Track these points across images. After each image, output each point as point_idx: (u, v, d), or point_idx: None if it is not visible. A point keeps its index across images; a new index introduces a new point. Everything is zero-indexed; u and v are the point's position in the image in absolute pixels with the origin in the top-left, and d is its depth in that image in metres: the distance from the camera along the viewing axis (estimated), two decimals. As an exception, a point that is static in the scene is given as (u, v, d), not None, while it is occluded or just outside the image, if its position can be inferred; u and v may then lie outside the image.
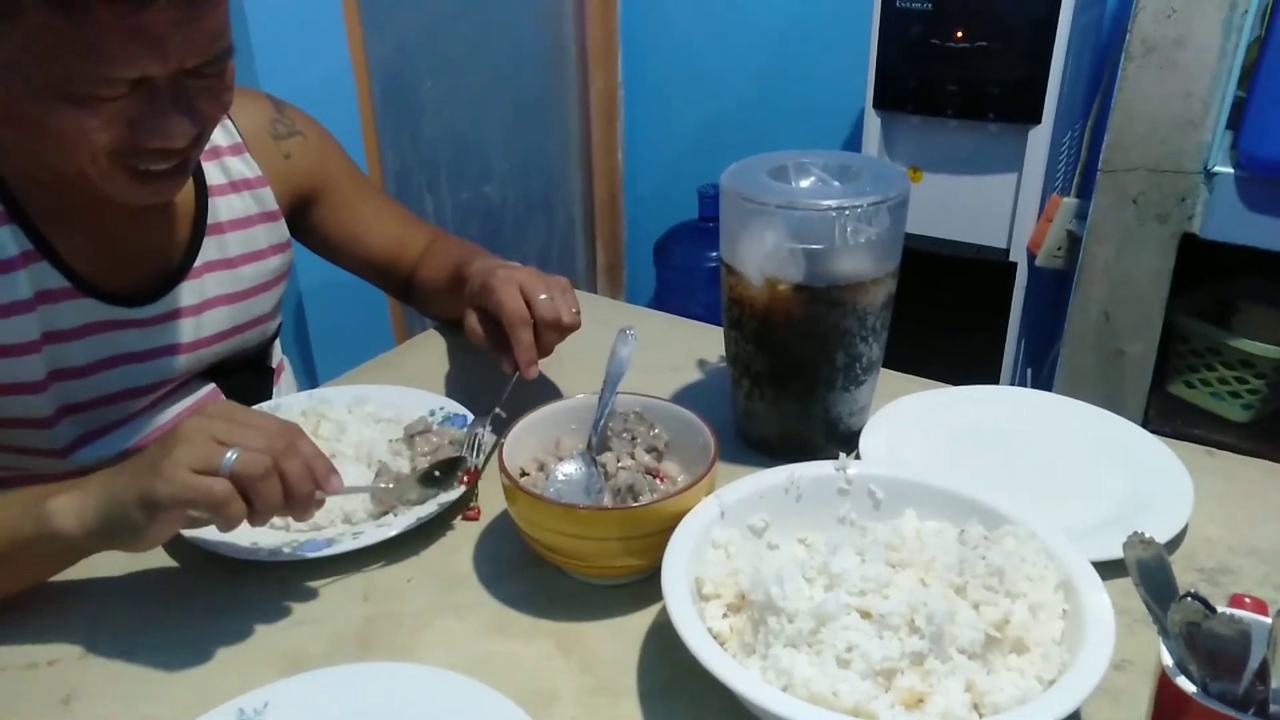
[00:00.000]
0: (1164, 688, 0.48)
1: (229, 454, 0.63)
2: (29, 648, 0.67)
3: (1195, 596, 0.44)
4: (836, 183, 0.81)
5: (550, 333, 0.86)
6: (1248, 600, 0.53)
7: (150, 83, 0.70)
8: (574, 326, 0.87)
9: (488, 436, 0.84)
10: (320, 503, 0.68)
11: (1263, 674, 0.44)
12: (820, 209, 0.74)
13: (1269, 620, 0.43)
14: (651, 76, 2.49)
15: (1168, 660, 0.48)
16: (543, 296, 0.86)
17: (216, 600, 0.71)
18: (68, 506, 0.64)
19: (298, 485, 0.66)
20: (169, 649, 0.66)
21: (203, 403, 0.96)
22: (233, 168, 0.96)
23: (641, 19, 2.42)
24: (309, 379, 1.74)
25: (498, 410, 0.85)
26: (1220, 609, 0.44)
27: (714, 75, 2.39)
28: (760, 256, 0.78)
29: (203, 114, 0.75)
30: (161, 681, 0.64)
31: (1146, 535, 0.45)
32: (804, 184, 0.81)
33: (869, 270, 0.78)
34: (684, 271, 2.41)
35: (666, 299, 2.47)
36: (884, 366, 0.87)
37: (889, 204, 0.75)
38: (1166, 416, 1.65)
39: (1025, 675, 0.54)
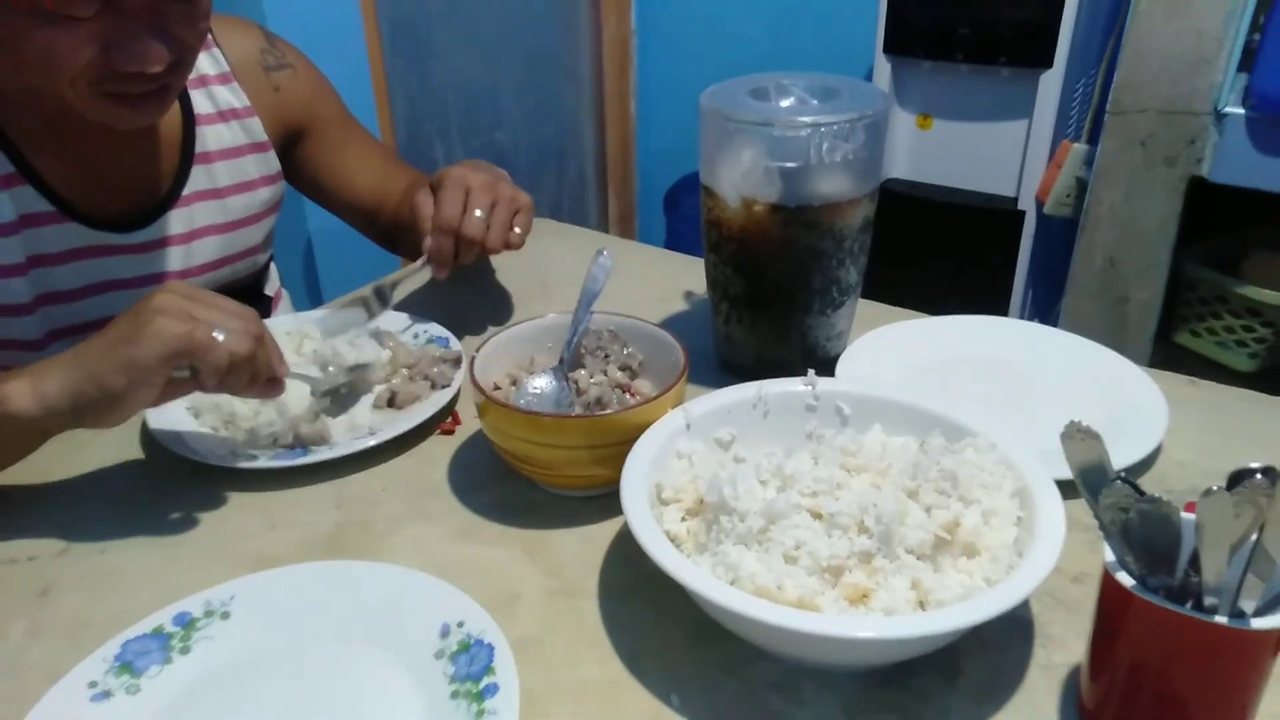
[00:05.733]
0: (1106, 584, 0.48)
1: (214, 333, 0.64)
2: (9, 544, 0.68)
3: (1125, 480, 0.44)
4: (815, 101, 0.80)
5: (469, 248, 0.87)
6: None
7: (122, 3, 0.70)
8: (496, 250, 0.87)
9: (376, 307, 0.87)
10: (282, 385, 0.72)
11: (1195, 565, 0.44)
12: (796, 125, 0.74)
13: (1193, 516, 0.42)
14: (664, 24, 2.46)
15: (1109, 556, 0.48)
16: (478, 214, 0.86)
17: (190, 505, 0.72)
18: (23, 390, 0.63)
19: (272, 369, 0.69)
20: (142, 549, 0.68)
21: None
22: (220, 97, 0.96)
23: (653, -36, 2.40)
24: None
25: (385, 284, 0.89)
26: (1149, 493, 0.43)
27: (726, 23, 2.36)
28: (736, 176, 0.78)
29: (179, 40, 0.75)
30: (134, 577, 0.66)
31: (1084, 424, 0.45)
32: (784, 104, 0.81)
33: (846, 190, 0.77)
34: (695, 221, 2.39)
35: (677, 248, 2.45)
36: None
37: (865, 122, 0.75)
38: (1172, 365, 1.62)
39: (973, 576, 0.55)
